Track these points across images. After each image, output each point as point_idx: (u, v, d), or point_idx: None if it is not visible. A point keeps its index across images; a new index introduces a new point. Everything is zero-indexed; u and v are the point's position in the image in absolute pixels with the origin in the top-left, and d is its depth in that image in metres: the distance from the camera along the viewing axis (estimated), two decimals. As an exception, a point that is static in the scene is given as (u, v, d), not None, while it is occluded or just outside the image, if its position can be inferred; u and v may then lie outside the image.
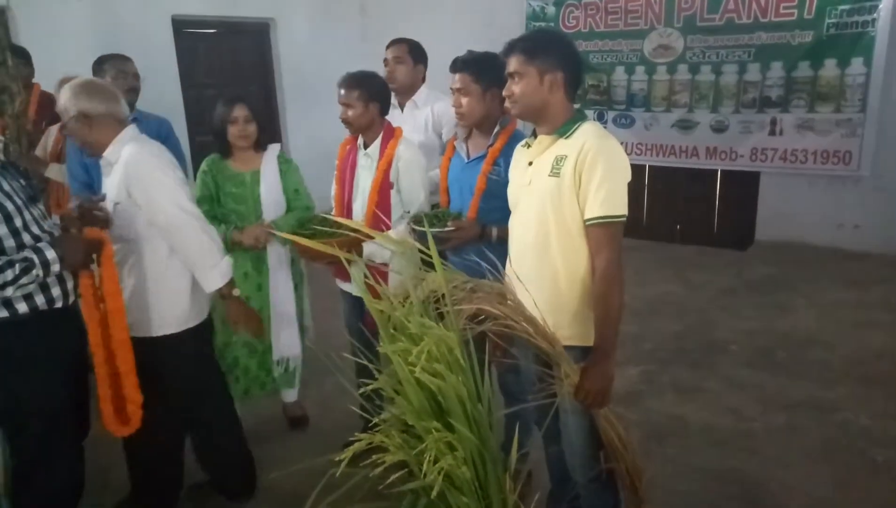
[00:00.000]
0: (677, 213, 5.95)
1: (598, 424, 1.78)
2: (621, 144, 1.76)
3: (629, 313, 3.98)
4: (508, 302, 1.75)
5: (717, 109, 5.46)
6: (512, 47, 1.77)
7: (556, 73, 1.73)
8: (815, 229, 5.33)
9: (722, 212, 5.78)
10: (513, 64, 1.76)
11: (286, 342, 2.75)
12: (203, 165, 2.66)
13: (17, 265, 1.70)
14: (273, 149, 2.72)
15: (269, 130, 6.79)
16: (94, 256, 1.90)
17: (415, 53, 2.99)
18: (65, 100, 2.02)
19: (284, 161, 2.73)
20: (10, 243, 1.72)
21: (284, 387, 2.93)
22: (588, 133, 1.72)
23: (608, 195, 1.65)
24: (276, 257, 2.70)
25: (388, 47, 3.01)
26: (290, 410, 3.04)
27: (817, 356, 3.57)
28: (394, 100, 3.01)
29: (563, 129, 1.76)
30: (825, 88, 4.99)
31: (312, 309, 3.01)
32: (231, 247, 2.55)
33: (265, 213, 2.65)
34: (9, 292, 1.71)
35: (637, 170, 6.06)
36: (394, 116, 3.00)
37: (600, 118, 5.92)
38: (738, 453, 2.74)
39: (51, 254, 1.76)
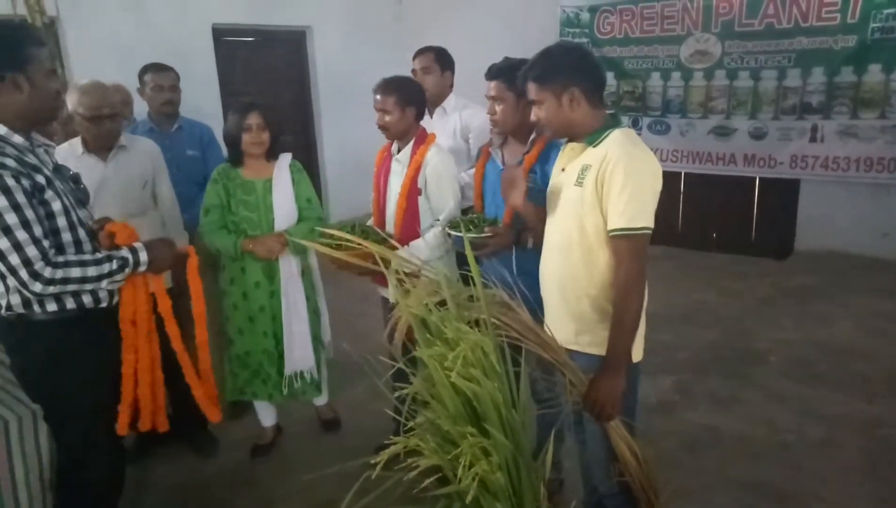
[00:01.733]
0: (713, 221, 5.85)
1: (610, 437, 1.77)
2: (655, 151, 1.74)
3: (662, 321, 3.97)
4: (511, 311, 1.73)
5: (755, 116, 5.37)
6: (525, 77, 1.80)
7: (572, 89, 1.72)
8: (857, 239, 5.19)
9: (760, 220, 5.67)
10: (531, 92, 1.80)
11: (298, 354, 2.69)
12: (213, 174, 2.63)
13: (115, 261, 1.82)
14: (285, 158, 2.68)
15: (302, 137, 6.92)
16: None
17: (442, 61, 3.01)
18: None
19: (297, 170, 2.70)
20: (66, 236, 1.79)
21: (311, 396, 2.88)
22: (614, 142, 1.70)
23: (629, 206, 1.63)
24: (288, 268, 2.65)
25: (414, 57, 3.03)
26: (322, 413, 3.06)
27: (858, 369, 3.48)
28: None
29: (592, 137, 1.75)
30: (869, 93, 4.87)
31: (344, 311, 3.04)
32: (240, 255, 2.56)
33: (277, 222, 2.61)
34: (103, 284, 1.81)
35: (672, 177, 6.02)
36: (425, 124, 3.05)
37: (635, 124, 5.87)
38: (775, 466, 2.68)
39: (144, 256, 1.88)
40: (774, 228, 5.58)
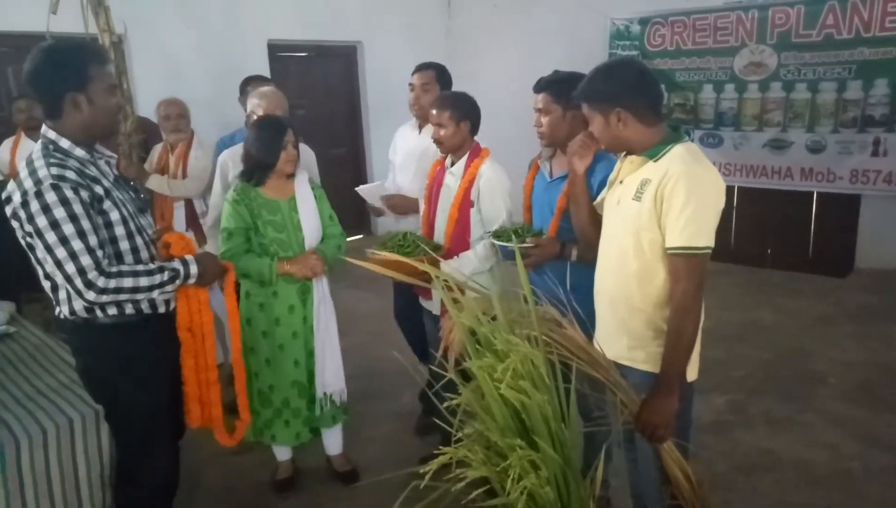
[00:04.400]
0: (768, 236, 5.67)
1: (662, 458, 1.72)
2: (707, 163, 1.70)
3: (715, 339, 3.87)
4: (562, 329, 1.71)
5: (813, 129, 5.20)
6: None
7: (618, 109, 1.71)
8: (923, 257, 4.97)
9: (818, 236, 5.47)
10: (584, 109, 1.81)
11: (331, 375, 2.59)
12: (233, 195, 2.44)
13: (166, 273, 1.87)
14: (303, 175, 2.59)
15: (352, 150, 7.04)
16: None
17: (442, 80, 2.98)
18: None
19: (317, 187, 2.63)
20: (125, 244, 1.86)
21: (327, 425, 2.64)
22: (675, 158, 1.67)
23: (689, 225, 1.60)
24: (321, 287, 2.56)
25: (414, 73, 2.99)
26: (337, 464, 2.78)
27: (926, 394, 3.31)
28: (413, 121, 3.10)
29: (653, 151, 1.72)
30: (935, 105, 4.67)
31: (391, 322, 3.07)
32: (275, 279, 2.43)
33: (307, 240, 2.51)
34: (154, 294, 1.86)
35: (725, 191, 5.82)
36: (412, 138, 3.08)
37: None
38: (836, 492, 2.56)
39: (194, 269, 1.94)
40: (833, 244, 5.38)
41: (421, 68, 2.99)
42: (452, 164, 2.55)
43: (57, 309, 1.89)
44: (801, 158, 5.29)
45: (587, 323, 1.86)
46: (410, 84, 2.99)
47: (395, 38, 6.73)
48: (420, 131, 3.05)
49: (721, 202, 1.66)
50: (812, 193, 5.39)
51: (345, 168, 6.53)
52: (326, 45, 6.55)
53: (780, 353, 3.87)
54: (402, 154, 3.13)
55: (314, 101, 6.52)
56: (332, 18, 6.33)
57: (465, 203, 2.47)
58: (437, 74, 2.98)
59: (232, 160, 2.82)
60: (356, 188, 3.13)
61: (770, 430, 3.04)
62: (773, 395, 3.36)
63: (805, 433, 3.00)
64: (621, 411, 1.67)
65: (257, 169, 2.45)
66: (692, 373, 1.76)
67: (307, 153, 2.82)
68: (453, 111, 2.44)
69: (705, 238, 1.61)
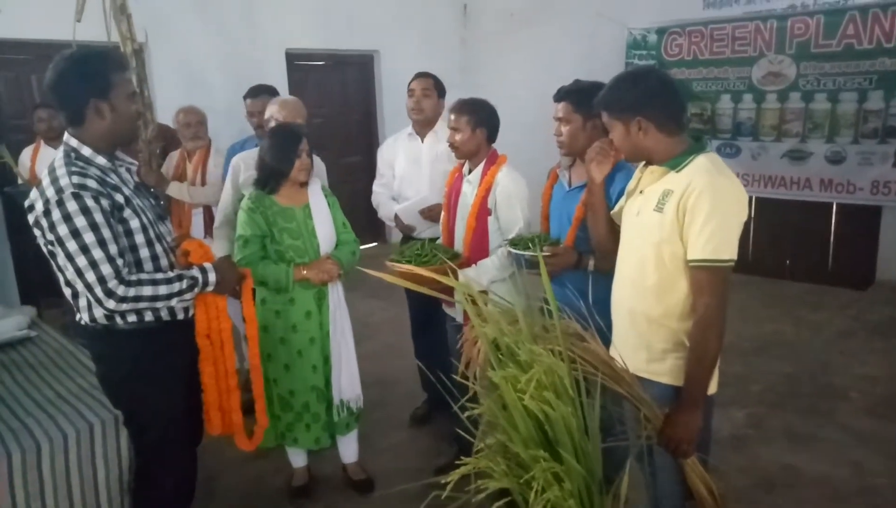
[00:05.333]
0: (787, 248, 5.61)
1: (685, 474, 1.70)
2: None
3: (734, 352, 3.82)
4: (584, 342, 1.68)
5: (833, 140, 5.15)
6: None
7: (637, 119, 1.69)
8: (947, 270, 4.88)
9: (837, 248, 5.40)
10: (603, 118, 1.80)
11: (348, 382, 2.60)
12: (248, 204, 2.46)
13: (185, 281, 1.88)
14: (316, 182, 2.61)
15: (367, 158, 7.06)
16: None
17: (438, 88, 3.10)
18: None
19: (329, 194, 2.64)
20: (144, 252, 1.87)
21: (341, 432, 2.65)
22: (699, 169, 1.65)
23: (713, 237, 1.58)
24: (336, 293, 2.57)
25: (413, 80, 3.10)
26: (352, 472, 2.78)
27: (952, 410, 3.24)
28: (411, 129, 3.14)
29: (674, 162, 1.70)
30: (958, 116, 4.60)
31: (406, 331, 3.06)
32: (292, 286, 2.44)
33: (322, 247, 2.53)
34: (173, 302, 1.87)
35: (743, 202, 5.77)
36: (414, 146, 3.10)
37: (703, 148, 5.71)
38: (861, 510, 2.52)
39: (213, 276, 1.95)
40: (854, 256, 5.30)
41: (420, 76, 3.10)
42: (470, 171, 2.55)
43: (77, 316, 1.91)
44: (820, 169, 5.23)
45: (609, 337, 1.85)
46: (410, 89, 3.07)
47: (412, 48, 6.76)
48: (422, 140, 3.10)
49: (744, 214, 1.64)
50: (832, 204, 5.32)
51: (360, 176, 6.54)
52: (343, 54, 6.59)
53: (800, 367, 3.82)
54: (405, 164, 3.14)
55: (331, 109, 6.56)
56: (350, 28, 6.37)
57: (482, 211, 2.47)
58: (434, 82, 3.09)
59: (244, 163, 2.85)
60: (395, 210, 3.08)
61: (790, 445, 2.99)
62: (793, 409, 3.31)
63: (827, 448, 2.95)
64: (644, 426, 1.65)
65: (272, 177, 2.46)
66: (712, 386, 1.74)
67: (318, 164, 2.84)
68: (470, 116, 2.45)
69: (729, 251, 1.59)
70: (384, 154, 3.27)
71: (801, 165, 5.33)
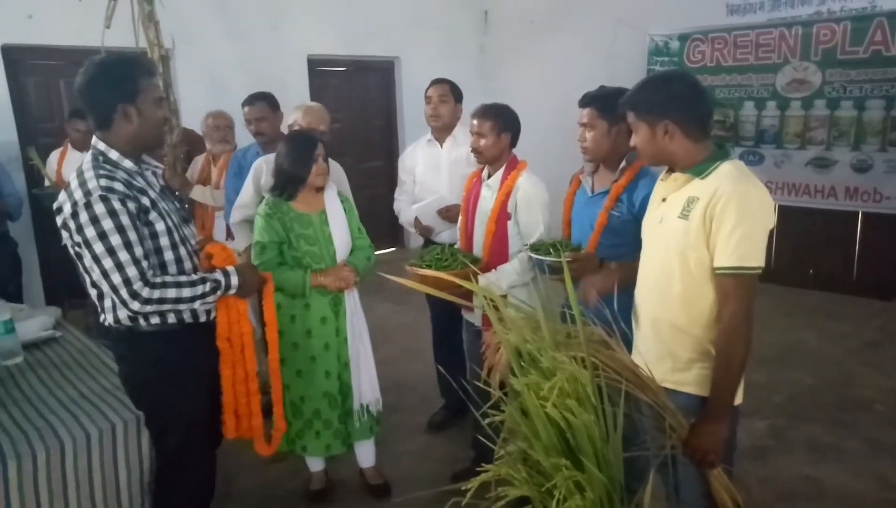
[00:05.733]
0: (810, 257, 5.53)
1: (710, 484, 1.67)
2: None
3: (756, 361, 3.75)
4: (608, 350, 1.67)
5: (859, 147, 5.07)
6: (623, 105, 1.79)
7: (664, 122, 1.68)
8: (976, 281, 4.77)
9: (863, 257, 5.31)
10: (628, 118, 1.78)
11: (367, 386, 2.62)
12: (265, 209, 2.47)
13: (208, 284, 1.90)
14: (332, 189, 2.62)
15: (387, 164, 7.10)
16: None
17: (455, 93, 3.12)
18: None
19: (345, 200, 2.65)
20: (169, 255, 1.89)
21: (360, 438, 2.66)
22: (725, 175, 1.63)
23: (740, 244, 1.56)
24: (352, 298, 2.58)
25: (430, 87, 3.13)
26: (370, 476, 2.79)
27: (981, 424, 3.17)
28: (430, 136, 3.18)
29: (699, 168, 1.68)
30: None
31: (424, 336, 3.06)
32: (309, 291, 2.45)
33: (338, 253, 2.54)
34: (196, 305, 1.90)
35: (766, 210, 5.69)
36: (433, 152, 3.13)
37: (725, 155, 5.65)
38: (885, 525, 2.47)
39: (235, 280, 1.97)
40: (879, 266, 5.20)
41: (437, 82, 3.14)
42: (489, 176, 2.55)
43: (102, 317, 1.93)
44: (845, 177, 5.15)
45: (633, 344, 1.83)
46: (428, 96, 3.11)
47: (432, 54, 6.78)
48: (441, 145, 3.15)
49: (771, 221, 1.62)
50: (857, 213, 5.23)
51: (380, 180, 6.58)
52: (364, 61, 6.64)
53: (822, 377, 3.76)
54: (424, 169, 3.19)
55: (351, 114, 6.61)
56: (371, 34, 6.42)
57: (501, 216, 2.47)
58: (451, 87, 3.12)
59: (266, 164, 2.88)
60: (412, 208, 3.13)
61: (813, 457, 2.94)
62: (815, 421, 3.25)
63: (850, 461, 2.90)
64: (669, 435, 1.63)
65: (289, 183, 2.48)
66: (738, 396, 1.72)
67: (336, 169, 2.87)
68: (496, 122, 2.45)
69: (756, 258, 1.58)
70: (405, 162, 3.31)
71: (826, 173, 5.26)
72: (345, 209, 2.61)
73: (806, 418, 3.29)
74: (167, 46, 3.60)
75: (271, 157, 2.90)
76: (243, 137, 4.35)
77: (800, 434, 3.13)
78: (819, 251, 5.48)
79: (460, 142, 3.06)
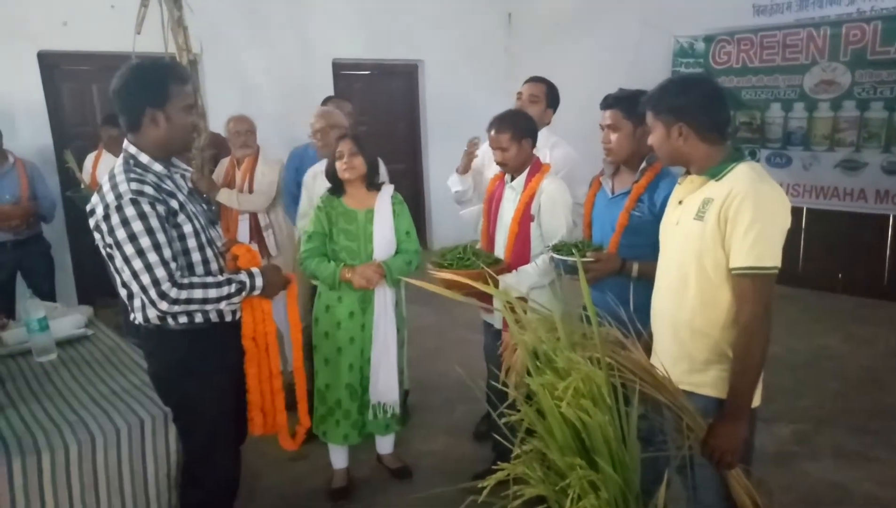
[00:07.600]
0: (839, 261, 5.43)
1: (730, 486, 1.67)
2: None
3: (782, 366, 3.72)
4: (626, 350, 1.67)
5: (889, 149, 4.97)
6: (643, 104, 1.81)
7: (679, 124, 1.69)
8: None
9: (893, 262, 5.20)
10: (647, 117, 1.79)
11: (384, 386, 2.64)
12: (318, 202, 2.66)
13: (234, 285, 1.95)
14: (387, 189, 2.69)
15: (411, 166, 7.16)
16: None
17: (550, 96, 3.00)
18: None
19: (398, 202, 2.69)
20: (196, 256, 1.94)
21: (379, 432, 2.77)
22: (740, 176, 1.63)
23: (756, 244, 1.56)
24: (383, 299, 2.62)
25: (526, 82, 3.02)
26: (388, 461, 2.92)
27: None
28: None
29: (714, 170, 1.69)
30: None
31: (447, 337, 3.08)
32: (339, 284, 2.55)
33: (376, 252, 2.60)
34: (222, 305, 1.95)
35: (794, 212, 5.58)
36: None
37: (752, 156, 5.59)
38: (913, 534, 2.42)
39: (259, 281, 2.01)
40: (911, 270, 5.11)
41: (533, 80, 3.03)
42: (512, 178, 2.56)
43: (132, 316, 1.99)
44: (876, 180, 5.06)
45: (650, 343, 1.83)
46: (518, 93, 3.01)
47: (456, 58, 6.82)
48: None
49: (787, 221, 1.62)
50: (888, 216, 5.13)
51: (403, 183, 6.62)
52: (388, 64, 6.70)
53: (850, 383, 3.69)
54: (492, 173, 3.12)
55: (375, 117, 6.67)
56: (395, 38, 6.47)
57: (525, 218, 2.49)
58: (547, 89, 3.00)
59: (313, 176, 3.08)
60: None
61: (839, 464, 2.90)
62: (842, 427, 3.20)
63: (878, 469, 2.85)
64: (686, 436, 1.63)
65: (331, 179, 2.66)
66: (756, 399, 1.71)
67: (385, 171, 2.99)
68: (514, 132, 2.46)
69: (772, 258, 1.57)
70: (481, 159, 3.10)
71: (856, 175, 5.16)
72: (395, 212, 2.67)
73: (832, 424, 3.24)
74: (196, 51, 3.69)
75: (317, 167, 3.08)
76: (280, 139, 4.43)
77: (826, 440, 3.09)
78: (848, 255, 5.38)
79: (539, 147, 2.76)
